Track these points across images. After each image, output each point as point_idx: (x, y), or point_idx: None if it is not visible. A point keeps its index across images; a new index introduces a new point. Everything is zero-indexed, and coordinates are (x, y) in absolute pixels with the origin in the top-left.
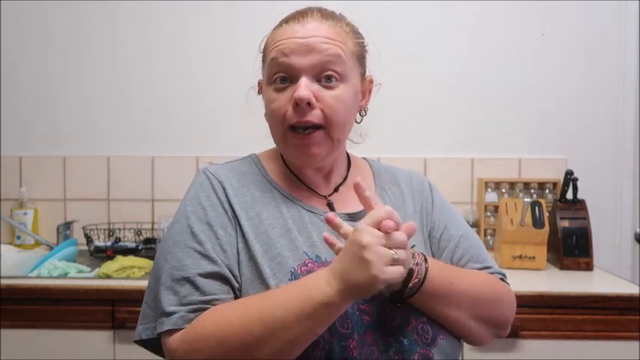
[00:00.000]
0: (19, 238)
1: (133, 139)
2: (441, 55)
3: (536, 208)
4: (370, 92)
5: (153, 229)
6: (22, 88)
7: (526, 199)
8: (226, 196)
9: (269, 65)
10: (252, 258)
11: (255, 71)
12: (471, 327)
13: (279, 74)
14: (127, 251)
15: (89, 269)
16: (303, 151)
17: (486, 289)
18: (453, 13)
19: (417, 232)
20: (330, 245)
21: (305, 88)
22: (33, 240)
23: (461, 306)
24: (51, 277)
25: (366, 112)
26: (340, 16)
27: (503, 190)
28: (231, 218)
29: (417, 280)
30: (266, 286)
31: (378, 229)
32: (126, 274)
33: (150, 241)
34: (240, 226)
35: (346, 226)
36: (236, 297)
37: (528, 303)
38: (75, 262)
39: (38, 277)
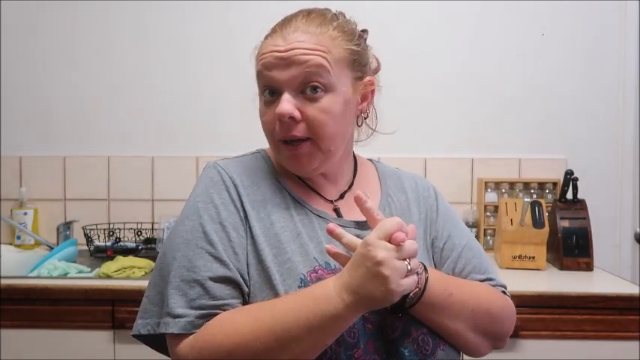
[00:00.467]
0: (19, 238)
1: (133, 139)
2: (441, 55)
3: (536, 208)
4: (373, 94)
5: (153, 229)
6: (22, 88)
7: (526, 199)
8: (238, 194)
9: (257, 78)
10: (261, 262)
11: (254, 72)
12: (470, 339)
13: (265, 88)
14: (127, 251)
15: (89, 269)
16: (295, 162)
17: (487, 301)
18: (453, 13)
19: (419, 240)
20: (335, 257)
21: (286, 103)
22: (33, 240)
23: (460, 317)
24: (51, 277)
25: (368, 114)
26: (330, 19)
27: (503, 190)
28: (242, 218)
29: (417, 289)
30: (275, 292)
31: (388, 241)
32: (126, 274)
33: (150, 241)
34: (250, 227)
35: (348, 236)
36: (245, 302)
37: (528, 303)
38: (75, 262)
39: (38, 277)
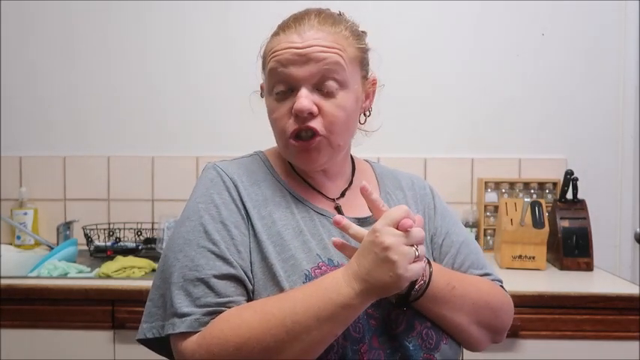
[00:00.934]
0: (19, 238)
1: (133, 139)
2: (441, 55)
3: (536, 208)
4: (374, 93)
5: (153, 229)
6: (22, 89)
7: (526, 199)
8: (238, 193)
9: (268, 75)
10: (264, 259)
11: (254, 72)
12: (472, 332)
13: (278, 85)
14: (127, 251)
15: (89, 269)
16: (305, 157)
17: (487, 295)
18: (453, 13)
19: None
20: (341, 248)
21: (305, 98)
22: (33, 240)
23: (462, 310)
24: (51, 277)
25: (370, 112)
26: (340, 19)
27: (503, 190)
28: (244, 217)
29: (422, 282)
30: (280, 289)
31: (396, 229)
32: (126, 274)
33: (150, 241)
34: (252, 225)
35: (355, 227)
36: (249, 299)
37: (528, 303)
38: (75, 262)
39: (38, 277)
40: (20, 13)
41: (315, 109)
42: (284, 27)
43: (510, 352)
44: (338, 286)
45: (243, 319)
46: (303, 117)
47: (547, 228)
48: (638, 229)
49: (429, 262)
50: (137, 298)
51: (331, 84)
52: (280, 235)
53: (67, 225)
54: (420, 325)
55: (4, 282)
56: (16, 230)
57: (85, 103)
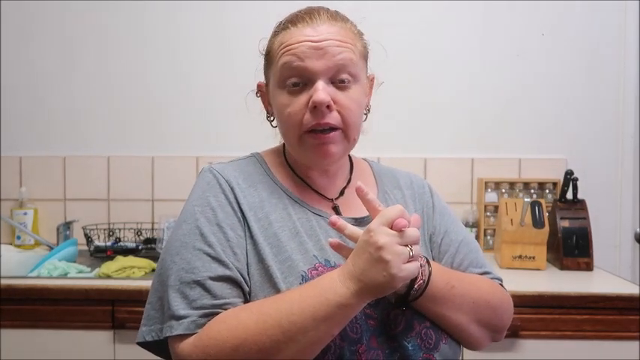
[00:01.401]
0: (19, 238)
1: (133, 139)
2: (441, 55)
3: (536, 208)
4: (372, 89)
5: (153, 229)
6: (22, 89)
7: (526, 199)
8: (235, 196)
9: (281, 69)
10: (261, 260)
11: (254, 72)
12: (472, 331)
13: (292, 78)
14: (127, 251)
15: (89, 269)
16: (321, 151)
17: (487, 294)
18: (453, 13)
19: None
20: (337, 249)
21: (323, 91)
22: (33, 240)
23: (462, 309)
24: (51, 277)
25: (369, 109)
26: (345, 16)
27: (503, 190)
28: (240, 219)
29: (421, 281)
30: (276, 290)
31: (390, 228)
32: (126, 274)
33: (150, 241)
34: (248, 227)
35: (351, 228)
36: (246, 301)
37: (528, 303)
38: (75, 262)
39: (38, 277)
40: (20, 13)
41: (332, 102)
42: (294, 21)
43: (510, 352)
44: (334, 286)
45: (239, 320)
46: (320, 111)
47: (547, 228)
48: (638, 229)
49: (428, 262)
50: (137, 298)
51: (346, 77)
52: (277, 236)
53: (67, 225)
54: (419, 325)
55: (4, 282)
56: (16, 230)
57: (85, 103)
